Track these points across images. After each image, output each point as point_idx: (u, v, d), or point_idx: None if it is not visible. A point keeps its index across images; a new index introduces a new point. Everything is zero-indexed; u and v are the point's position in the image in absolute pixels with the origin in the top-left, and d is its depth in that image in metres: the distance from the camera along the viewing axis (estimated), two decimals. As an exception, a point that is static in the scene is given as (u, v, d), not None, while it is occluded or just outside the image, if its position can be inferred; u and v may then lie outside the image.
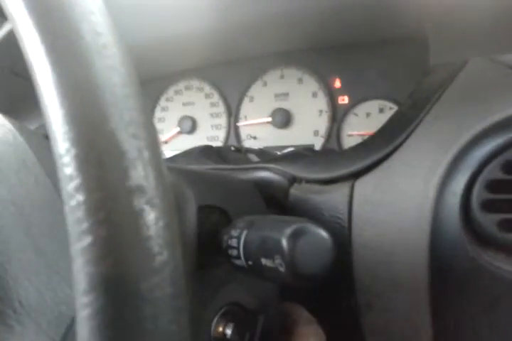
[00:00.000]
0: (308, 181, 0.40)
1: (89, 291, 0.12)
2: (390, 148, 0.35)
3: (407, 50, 0.49)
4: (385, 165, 0.35)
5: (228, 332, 0.33)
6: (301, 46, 0.56)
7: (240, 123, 0.62)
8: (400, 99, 0.51)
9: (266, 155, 0.58)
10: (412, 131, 0.35)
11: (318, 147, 0.56)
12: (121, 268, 0.13)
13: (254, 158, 0.59)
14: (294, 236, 0.21)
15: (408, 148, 0.34)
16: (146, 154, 0.14)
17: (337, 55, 0.54)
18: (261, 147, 0.61)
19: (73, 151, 0.13)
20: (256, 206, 0.42)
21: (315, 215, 0.38)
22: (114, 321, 0.12)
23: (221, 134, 0.63)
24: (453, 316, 0.31)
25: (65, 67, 0.14)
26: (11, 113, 0.28)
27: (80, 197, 0.13)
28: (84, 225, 0.13)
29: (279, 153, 0.59)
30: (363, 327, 0.36)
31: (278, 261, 0.22)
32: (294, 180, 0.42)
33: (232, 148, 0.54)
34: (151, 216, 0.13)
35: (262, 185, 0.43)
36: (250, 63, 0.60)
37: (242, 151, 0.55)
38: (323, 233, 0.22)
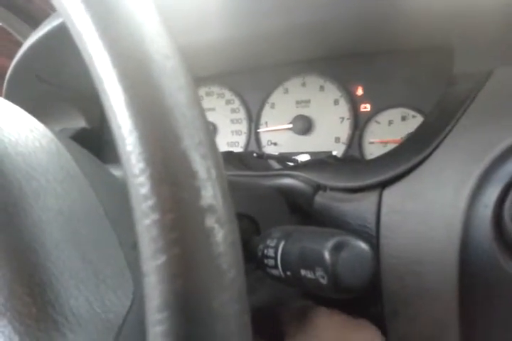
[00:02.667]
0: (334, 189, 0.41)
1: (164, 308, 0.13)
2: (419, 158, 0.35)
3: (431, 59, 0.49)
4: (414, 174, 0.35)
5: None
6: (324, 54, 0.56)
7: (260, 130, 0.63)
8: (423, 108, 0.51)
9: (287, 161, 0.58)
10: (441, 141, 0.35)
11: (339, 154, 0.56)
12: (194, 286, 0.13)
13: (274, 164, 0.59)
14: (336, 249, 0.22)
15: (437, 158, 0.34)
16: (214, 174, 0.14)
17: (360, 63, 0.54)
18: (280, 152, 0.62)
19: (148, 171, 0.13)
20: (281, 213, 0.42)
21: (341, 223, 0.38)
22: (187, 338, 0.13)
23: (241, 140, 0.64)
24: (482, 327, 0.32)
25: (138, 89, 0.14)
26: (35, 114, 0.29)
27: (154, 217, 0.13)
28: (159, 244, 0.13)
29: (296, 158, 0.59)
30: (388, 334, 0.36)
31: (319, 273, 0.22)
32: (318, 187, 0.42)
33: (255, 155, 0.54)
34: (220, 234, 0.14)
35: (286, 192, 0.44)
36: (272, 70, 0.61)
37: (263, 157, 0.56)
38: (364, 245, 0.23)
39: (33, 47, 0.53)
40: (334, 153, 0.58)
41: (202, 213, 0.14)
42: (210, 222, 0.14)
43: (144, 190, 0.13)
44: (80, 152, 0.30)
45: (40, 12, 0.96)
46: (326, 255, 0.22)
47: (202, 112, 0.15)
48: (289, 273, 0.24)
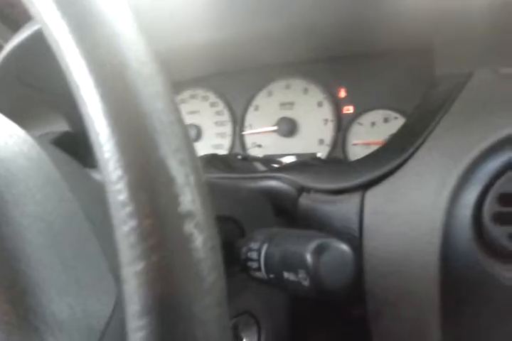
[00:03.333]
0: (317, 191, 0.41)
1: (144, 314, 0.13)
2: (401, 159, 0.35)
3: (412, 61, 0.50)
4: (396, 176, 0.35)
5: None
6: (307, 57, 0.57)
7: (245, 132, 0.63)
8: (405, 109, 0.51)
9: (271, 164, 0.58)
10: (422, 143, 0.35)
11: (323, 156, 0.56)
12: (174, 291, 0.13)
13: (259, 166, 0.59)
14: (318, 251, 0.22)
15: (418, 159, 0.35)
16: (192, 179, 0.15)
17: (342, 65, 0.55)
18: (265, 154, 0.62)
19: (126, 178, 0.13)
20: (265, 215, 0.42)
21: (325, 225, 0.38)
22: (167, 343, 0.13)
23: (226, 142, 0.64)
24: (463, 327, 0.32)
25: (115, 96, 0.14)
26: (15, 121, 0.28)
27: (132, 223, 0.13)
28: (138, 250, 0.13)
29: (281, 159, 0.60)
30: (372, 335, 0.36)
31: (302, 275, 0.22)
32: (302, 189, 0.43)
33: (239, 157, 0.55)
34: (199, 239, 0.14)
35: (270, 194, 0.44)
36: (255, 73, 0.61)
37: (248, 160, 0.56)
38: (345, 247, 0.23)
39: (14, 51, 0.52)
40: (318, 154, 0.58)
41: (180, 219, 0.14)
42: (188, 227, 0.14)
43: (122, 196, 0.13)
44: (61, 157, 0.29)
45: (22, 16, 0.96)
46: (308, 257, 0.22)
47: (180, 118, 0.15)
48: (272, 275, 0.24)
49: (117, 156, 0.14)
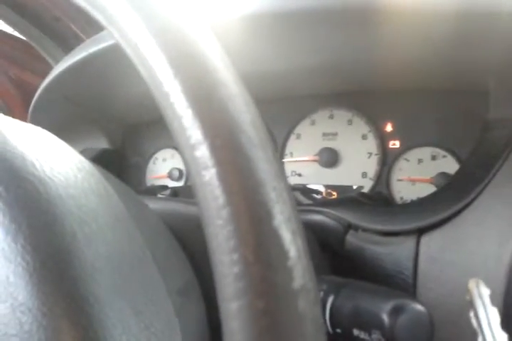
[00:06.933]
0: (366, 230, 0.40)
1: None
2: (460, 205, 0.35)
3: (465, 101, 0.49)
4: (454, 222, 0.35)
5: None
6: (353, 88, 0.56)
7: (285, 160, 0.62)
8: (453, 148, 0.50)
9: (311, 193, 0.58)
10: (483, 189, 0.34)
11: (366, 189, 0.55)
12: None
13: (299, 196, 0.59)
14: (395, 313, 0.21)
15: (479, 207, 0.34)
16: (302, 250, 0.14)
17: (390, 99, 0.54)
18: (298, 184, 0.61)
19: (240, 250, 0.13)
20: (312, 251, 0.41)
21: (376, 267, 0.37)
22: None
23: (266, 169, 0.63)
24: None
25: (230, 163, 0.14)
26: (57, 135, 0.28)
27: (246, 300, 0.13)
28: (249, 332, 0.12)
29: (311, 186, 0.59)
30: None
31: (376, 335, 0.21)
32: (349, 226, 0.42)
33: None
34: (308, 319, 0.13)
35: (315, 229, 0.43)
36: (299, 102, 0.61)
37: (289, 190, 0.55)
38: (422, 309, 0.22)
39: (65, 71, 0.53)
40: (354, 187, 0.57)
41: (294, 296, 0.13)
42: (302, 305, 0.13)
43: (236, 269, 0.13)
44: (122, 188, 0.29)
45: (67, 30, 0.98)
46: (385, 318, 0.21)
47: (288, 184, 0.15)
48: (339, 330, 0.24)
49: (232, 225, 0.13)
